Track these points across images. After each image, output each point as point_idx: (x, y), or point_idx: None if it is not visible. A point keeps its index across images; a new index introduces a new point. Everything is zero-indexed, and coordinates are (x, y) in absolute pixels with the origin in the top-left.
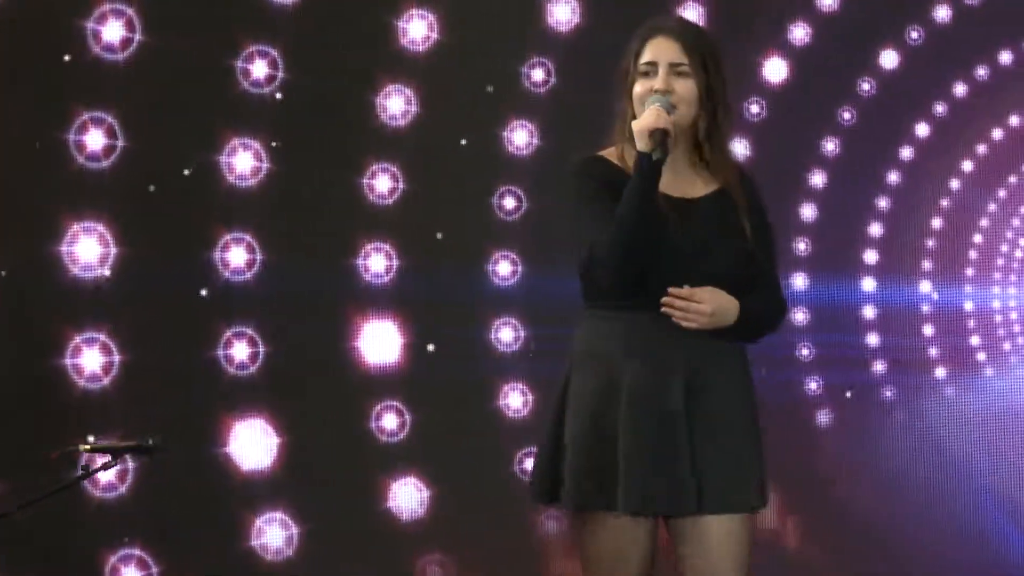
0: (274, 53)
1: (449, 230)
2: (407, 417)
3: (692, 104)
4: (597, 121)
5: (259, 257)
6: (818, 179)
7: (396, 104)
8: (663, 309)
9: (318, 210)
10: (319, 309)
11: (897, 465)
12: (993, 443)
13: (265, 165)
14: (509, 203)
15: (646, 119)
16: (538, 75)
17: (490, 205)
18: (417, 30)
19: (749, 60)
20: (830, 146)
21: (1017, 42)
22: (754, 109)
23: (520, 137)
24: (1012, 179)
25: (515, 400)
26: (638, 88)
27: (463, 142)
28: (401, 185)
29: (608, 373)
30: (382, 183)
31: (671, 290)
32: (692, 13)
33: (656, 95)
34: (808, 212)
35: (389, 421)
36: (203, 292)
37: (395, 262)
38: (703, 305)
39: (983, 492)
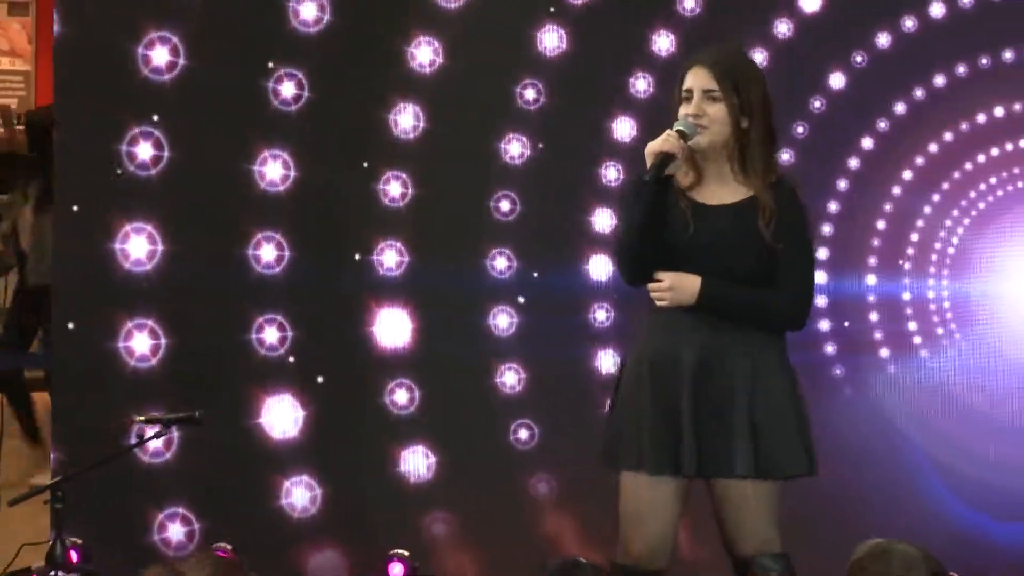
0: (300, 75)
1: (452, 229)
2: (416, 393)
3: (724, 123)
4: (581, 134)
5: (287, 254)
6: None
7: (407, 120)
8: (652, 293)
9: (338, 212)
10: (339, 298)
11: (846, 433)
12: (928, 415)
13: (292, 173)
14: (505, 206)
15: (654, 143)
16: (530, 94)
17: (488, 207)
18: (424, 55)
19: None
20: (786, 156)
21: (952, 66)
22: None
23: (515, 148)
24: (945, 185)
25: (510, 378)
26: (681, 111)
27: (463, 149)
28: (411, 190)
29: (639, 356)
30: (394, 188)
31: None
32: (664, 40)
33: (682, 119)
34: None
35: (400, 396)
36: (238, 284)
37: (406, 258)
38: (662, 283)
39: (920, 456)
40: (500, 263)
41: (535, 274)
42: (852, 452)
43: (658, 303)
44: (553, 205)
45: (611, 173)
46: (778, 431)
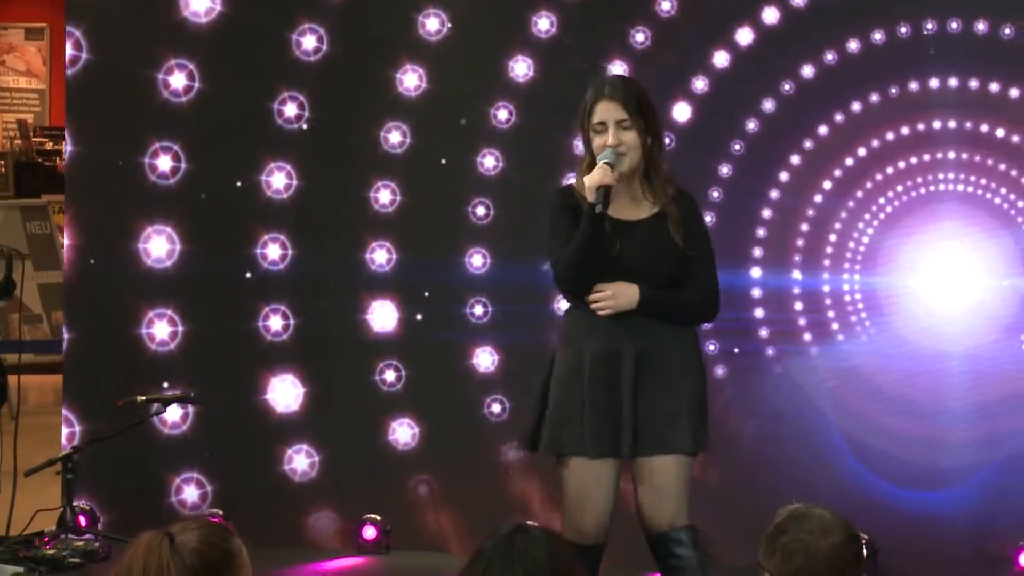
0: (302, 97)
1: (435, 232)
2: (403, 372)
3: (638, 148)
4: (547, 150)
5: (290, 252)
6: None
7: (395, 136)
8: (592, 306)
9: (335, 216)
10: (336, 291)
11: (773, 409)
12: (842, 395)
13: (295, 183)
14: (480, 211)
15: (593, 177)
16: (503, 115)
17: (465, 212)
18: (411, 80)
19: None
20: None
21: (842, 41)
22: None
23: (489, 161)
24: (858, 193)
25: (484, 359)
26: (597, 142)
27: (443, 162)
28: (399, 197)
29: (578, 349)
30: (384, 196)
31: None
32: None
33: (608, 150)
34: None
35: (389, 375)
36: (247, 277)
37: (394, 256)
38: (606, 292)
39: (834, 431)
40: (476, 260)
41: (507, 269)
42: (777, 427)
43: (601, 312)
44: (521, 211)
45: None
46: (699, 413)
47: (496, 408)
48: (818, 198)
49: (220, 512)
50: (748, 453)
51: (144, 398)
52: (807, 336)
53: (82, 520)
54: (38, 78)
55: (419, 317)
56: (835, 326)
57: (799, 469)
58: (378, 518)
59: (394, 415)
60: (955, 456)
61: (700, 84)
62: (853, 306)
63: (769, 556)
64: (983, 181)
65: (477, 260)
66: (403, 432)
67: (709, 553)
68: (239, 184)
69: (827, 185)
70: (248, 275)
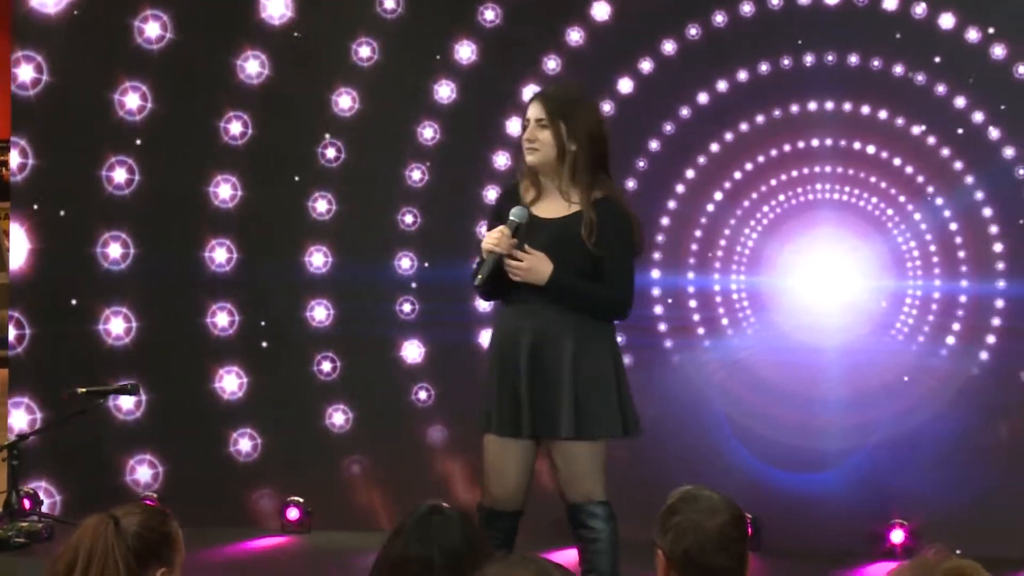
0: (246, 116)
1: (367, 237)
2: (338, 363)
3: (551, 146)
4: (468, 164)
5: (235, 256)
6: None
7: (331, 152)
8: (509, 267)
9: (276, 224)
10: (277, 290)
11: (669, 397)
12: (729, 385)
13: (239, 193)
14: (408, 219)
15: (488, 241)
16: (428, 133)
17: (395, 220)
18: (345, 102)
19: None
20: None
21: (732, 71)
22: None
23: (416, 174)
24: (745, 203)
25: (412, 352)
26: (524, 134)
27: (375, 175)
28: (334, 206)
29: (495, 340)
30: (321, 205)
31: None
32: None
33: (519, 207)
34: None
35: (326, 366)
36: (196, 279)
37: (330, 259)
38: (521, 262)
39: (722, 419)
40: (405, 263)
41: (428, 271)
42: (672, 415)
43: (513, 278)
44: (445, 219)
45: (491, 195)
46: (596, 401)
47: (423, 395)
48: (710, 207)
49: (156, 495)
50: (647, 438)
51: (84, 390)
52: (700, 331)
53: (26, 503)
54: None
55: (353, 313)
56: (724, 322)
57: (690, 453)
58: (300, 500)
59: (330, 402)
60: (831, 441)
61: (607, 108)
62: (740, 304)
63: (663, 535)
64: (856, 191)
65: (406, 263)
66: (339, 416)
67: None
68: (188, 194)
69: (718, 196)
70: (196, 278)
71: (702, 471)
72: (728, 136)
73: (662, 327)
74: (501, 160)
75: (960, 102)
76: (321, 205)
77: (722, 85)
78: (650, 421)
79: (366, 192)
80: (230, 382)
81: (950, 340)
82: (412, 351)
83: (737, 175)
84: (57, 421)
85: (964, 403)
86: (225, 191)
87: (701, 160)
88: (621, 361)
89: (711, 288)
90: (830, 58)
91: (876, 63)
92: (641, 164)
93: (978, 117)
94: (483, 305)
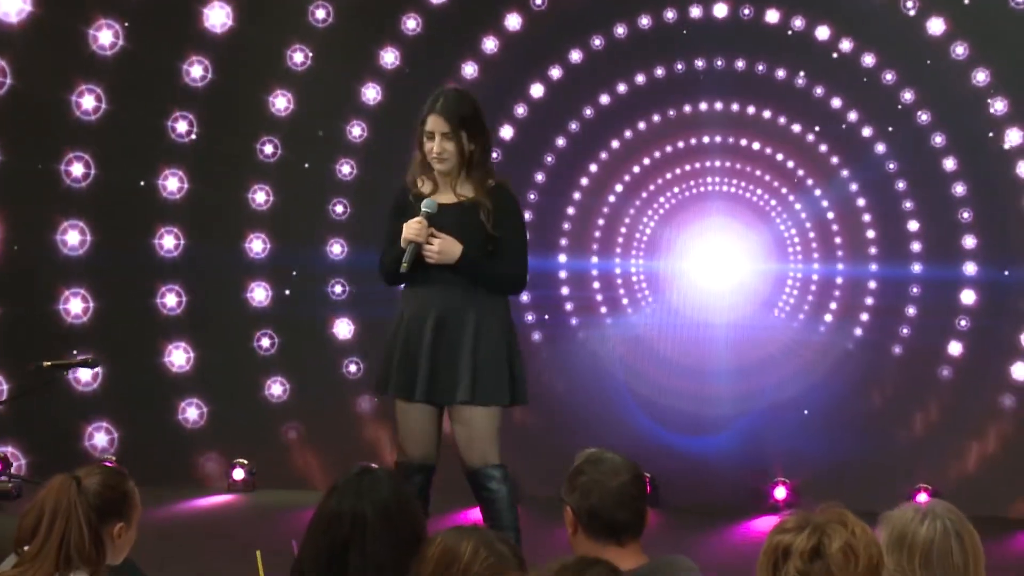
0: (191, 117)
1: (301, 226)
2: (276, 340)
3: (457, 154)
4: (393, 160)
5: (183, 243)
6: None
7: (268, 148)
8: (424, 248)
9: (222, 213)
10: (221, 274)
11: (576, 368)
12: (629, 357)
13: (186, 186)
14: (339, 209)
15: (408, 230)
16: (356, 131)
17: (327, 211)
18: (280, 103)
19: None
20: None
21: (631, 75)
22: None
23: (345, 168)
24: (644, 194)
25: (343, 329)
26: (427, 146)
27: (307, 168)
28: (271, 198)
29: (401, 317)
30: (260, 196)
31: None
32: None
33: (429, 199)
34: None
35: (265, 342)
36: (146, 264)
37: (268, 245)
38: (434, 246)
39: (623, 387)
40: (336, 248)
41: (357, 256)
42: (582, 381)
43: (429, 260)
44: (372, 209)
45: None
46: (492, 370)
47: (352, 368)
48: (611, 198)
49: (114, 457)
50: (557, 406)
51: (49, 363)
52: (603, 310)
53: None
54: None
55: (291, 294)
56: (625, 301)
57: (596, 419)
58: (246, 461)
59: (270, 374)
60: (721, 408)
61: (520, 110)
62: (639, 285)
63: (571, 493)
64: (743, 184)
65: (336, 248)
66: (276, 388)
67: (518, 487)
68: (138, 187)
69: (618, 188)
70: (146, 263)
71: (606, 435)
72: (628, 134)
73: (568, 306)
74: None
75: (836, 103)
76: (260, 196)
77: (622, 88)
78: (560, 393)
79: (300, 185)
80: (178, 356)
81: (827, 318)
82: (343, 328)
83: (636, 169)
84: (20, 392)
85: (839, 374)
86: (173, 183)
87: (603, 156)
88: (515, 336)
89: (613, 271)
90: (719, 63)
91: (760, 68)
92: (549, 159)
93: (852, 116)
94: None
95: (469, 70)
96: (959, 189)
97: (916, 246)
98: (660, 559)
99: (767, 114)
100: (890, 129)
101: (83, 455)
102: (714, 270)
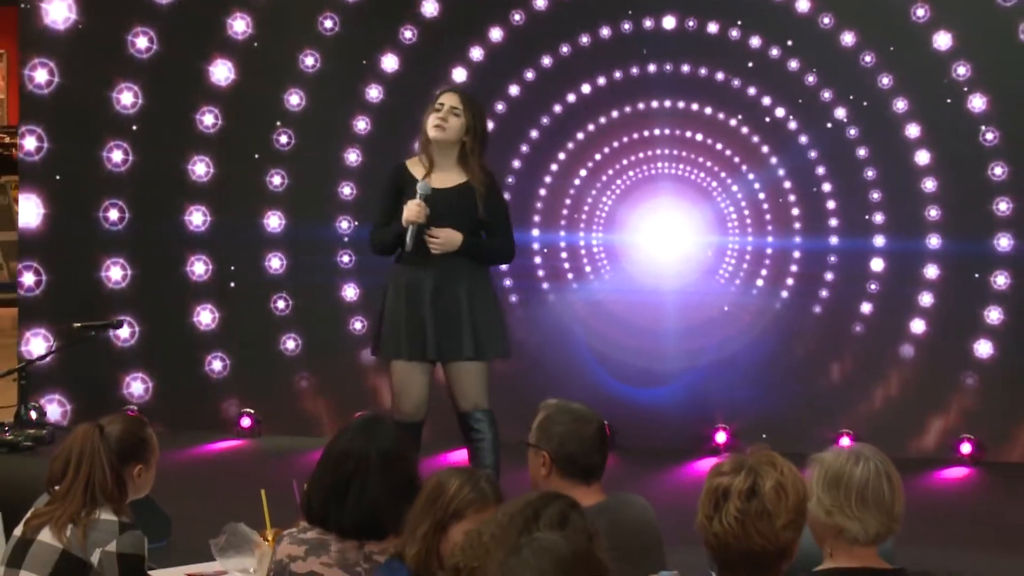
0: (217, 111)
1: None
2: (290, 302)
3: (457, 132)
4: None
5: (209, 219)
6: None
7: (284, 138)
8: (427, 241)
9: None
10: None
11: (544, 329)
12: (590, 320)
13: (212, 171)
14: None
15: (409, 213)
16: (283, 139)
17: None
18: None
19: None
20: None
21: (594, 77)
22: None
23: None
24: (603, 177)
25: (280, 304)
26: (429, 121)
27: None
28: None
29: (396, 282)
30: (200, 168)
31: (427, 233)
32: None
33: (423, 182)
34: None
35: (280, 304)
36: (176, 238)
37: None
38: (437, 238)
39: (584, 346)
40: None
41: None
42: (545, 344)
43: (434, 251)
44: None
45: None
46: (487, 329)
47: (291, 344)
48: (576, 180)
49: (136, 407)
50: (528, 360)
51: (79, 324)
52: (570, 276)
53: (32, 415)
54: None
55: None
56: (587, 270)
57: (560, 373)
58: (252, 411)
59: (284, 331)
60: (669, 363)
61: (500, 107)
62: (599, 255)
63: (547, 441)
64: (688, 168)
65: (344, 224)
66: (290, 343)
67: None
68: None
69: (582, 172)
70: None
71: (569, 387)
72: (591, 127)
73: (540, 273)
74: (361, 125)
75: (767, 100)
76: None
77: (586, 88)
78: (533, 348)
79: (312, 170)
80: (205, 316)
81: (759, 283)
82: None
83: (597, 156)
84: (56, 349)
85: (771, 331)
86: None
87: (570, 145)
88: (499, 299)
89: (577, 243)
90: (668, 67)
91: (703, 71)
92: (524, 148)
93: (780, 112)
94: (344, 260)
95: (458, 74)
96: (870, 173)
97: (834, 221)
98: (616, 496)
99: (708, 110)
100: (810, 121)
101: (122, 400)
102: (663, 242)
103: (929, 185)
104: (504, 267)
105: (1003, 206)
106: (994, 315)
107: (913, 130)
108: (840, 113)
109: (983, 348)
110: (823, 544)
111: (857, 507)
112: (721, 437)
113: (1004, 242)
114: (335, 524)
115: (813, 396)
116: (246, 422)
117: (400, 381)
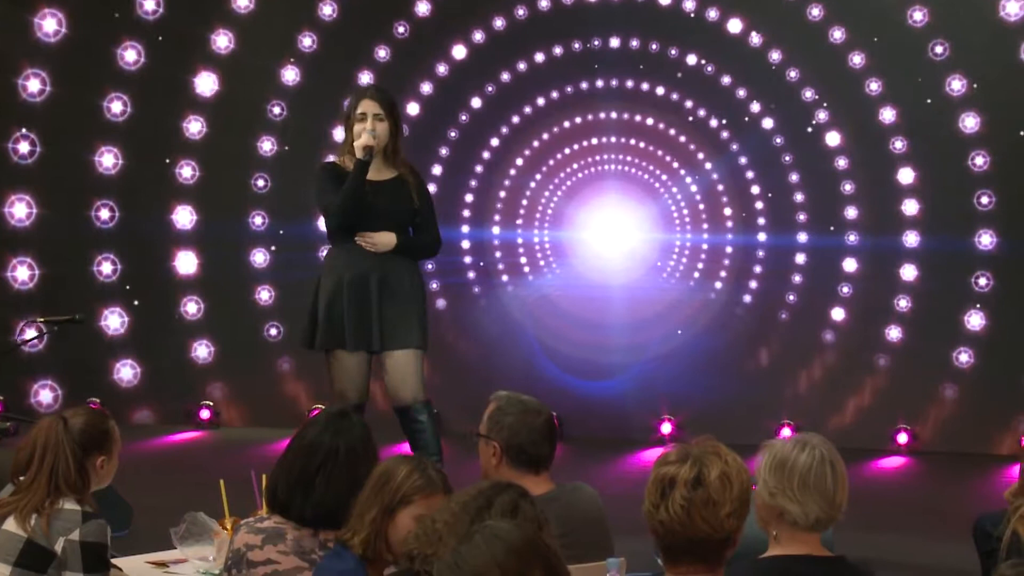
0: (126, 97)
1: (224, 199)
2: (202, 305)
3: (387, 133)
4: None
5: (196, 218)
6: None
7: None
8: (359, 242)
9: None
10: (148, 245)
11: (486, 325)
12: (537, 315)
13: (198, 174)
14: (260, 183)
15: (361, 141)
16: (131, 56)
17: (248, 184)
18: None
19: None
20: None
21: (531, 54)
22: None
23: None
24: (555, 179)
25: (264, 295)
26: (358, 127)
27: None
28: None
29: (338, 276)
30: (186, 172)
31: (359, 235)
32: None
33: (367, 130)
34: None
35: (264, 295)
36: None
37: (195, 216)
38: (375, 240)
39: (532, 340)
40: (258, 220)
41: (277, 227)
42: (492, 338)
43: (370, 249)
44: (295, 185)
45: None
46: (424, 321)
47: (274, 331)
48: (512, 172)
49: (97, 400)
50: (476, 354)
51: (42, 319)
52: (505, 276)
53: None
54: None
55: (216, 262)
56: (527, 268)
57: (509, 366)
58: (211, 402)
59: (267, 320)
60: (617, 356)
61: (426, 88)
62: (543, 252)
63: (498, 432)
64: (636, 164)
65: (258, 220)
66: (273, 331)
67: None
68: (72, 163)
69: (519, 162)
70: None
71: (518, 380)
72: (527, 110)
73: (471, 274)
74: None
75: (726, 80)
76: (186, 172)
77: (522, 67)
78: (477, 342)
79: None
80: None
81: (696, 276)
82: (264, 295)
83: (535, 144)
84: (16, 344)
85: (712, 327)
86: (109, 160)
87: (504, 131)
88: (427, 290)
89: (514, 240)
90: (615, 43)
91: (654, 47)
92: (453, 134)
93: (741, 93)
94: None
95: (381, 52)
96: (841, 163)
97: (801, 216)
98: (565, 485)
99: (660, 91)
100: (773, 106)
101: (111, 385)
102: (610, 239)
103: (907, 177)
104: (429, 266)
105: (984, 200)
106: (903, 303)
107: (888, 114)
108: (808, 95)
109: (894, 333)
110: (768, 527)
111: (799, 491)
112: (666, 428)
113: (910, 234)
114: (297, 513)
115: (754, 389)
116: (205, 414)
117: (344, 371)
